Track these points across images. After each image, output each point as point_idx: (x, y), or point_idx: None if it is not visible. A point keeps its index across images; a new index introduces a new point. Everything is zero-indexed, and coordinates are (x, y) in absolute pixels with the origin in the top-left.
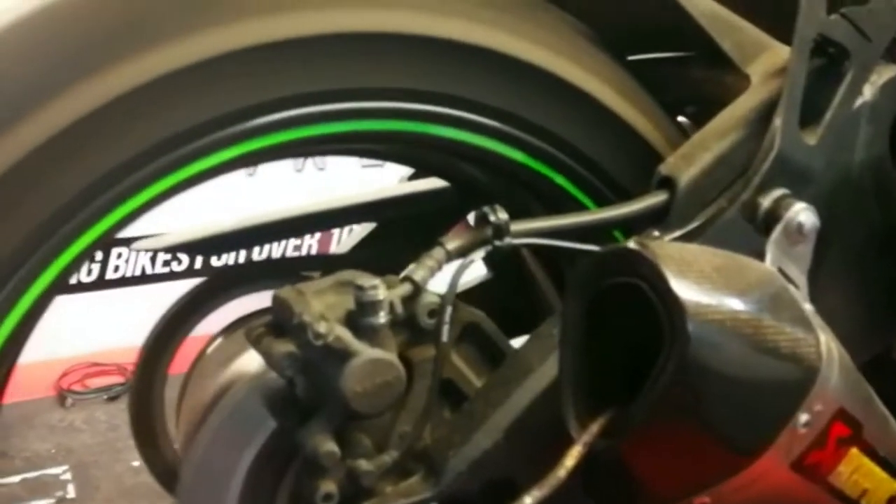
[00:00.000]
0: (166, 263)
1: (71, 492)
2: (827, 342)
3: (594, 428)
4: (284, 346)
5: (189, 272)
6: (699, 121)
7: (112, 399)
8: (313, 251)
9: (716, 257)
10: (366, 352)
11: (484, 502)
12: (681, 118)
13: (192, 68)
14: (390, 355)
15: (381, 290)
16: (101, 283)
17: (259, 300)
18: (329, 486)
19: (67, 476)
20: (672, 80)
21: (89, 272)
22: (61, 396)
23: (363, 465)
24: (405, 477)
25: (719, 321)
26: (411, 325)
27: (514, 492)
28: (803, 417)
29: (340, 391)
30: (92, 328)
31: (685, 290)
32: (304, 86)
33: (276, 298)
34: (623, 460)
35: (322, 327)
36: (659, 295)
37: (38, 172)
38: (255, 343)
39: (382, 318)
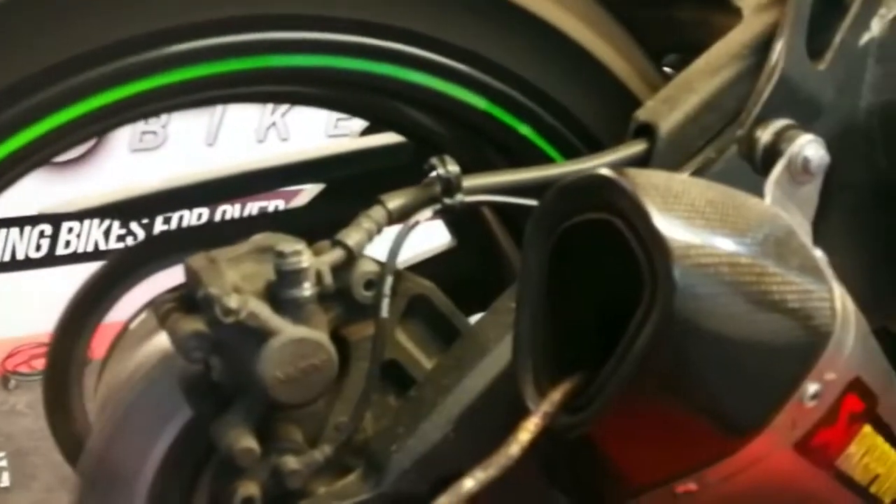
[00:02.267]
0: (120, 238)
1: (5, 480)
2: (842, 297)
3: (555, 396)
4: (192, 325)
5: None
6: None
7: None
8: None
9: (710, 190)
10: (287, 330)
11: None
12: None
13: None
14: (318, 334)
15: (305, 256)
16: (51, 260)
17: None
18: (249, 489)
19: (3, 463)
20: (655, 23)
21: (38, 248)
22: (5, 378)
23: (290, 462)
24: (342, 475)
25: (713, 266)
26: (346, 299)
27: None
28: (812, 388)
29: (258, 377)
30: (41, 307)
31: (671, 228)
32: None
33: (187, 268)
34: (591, 439)
35: (233, 301)
36: (638, 234)
37: None
38: (162, 320)
39: (307, 289)
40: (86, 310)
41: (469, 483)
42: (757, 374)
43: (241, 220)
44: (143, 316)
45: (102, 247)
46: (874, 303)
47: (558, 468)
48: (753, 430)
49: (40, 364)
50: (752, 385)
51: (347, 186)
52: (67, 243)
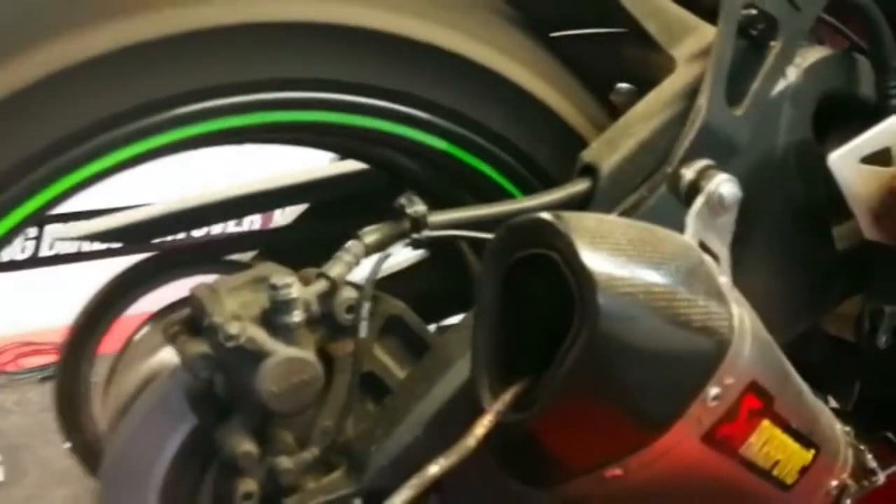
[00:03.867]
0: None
1: (0, 475)
2: (740, 315)
3: (506, 398)
4: (198, 347)
5: (127, 250)
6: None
7: (45, 379)
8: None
9: (632, 229)
10: (281, 351)
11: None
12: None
13: (116, 53)
14: (306, 353)
15: (295, 288)
16: (35, 261)
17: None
18: (249, 486)
19: None
20: (603, 58)
21: (23, 249)
22: None
23: (284, 462)
24: (328, 472)
25: (631, 294)
26: (330, 321)
27: (436, 486)
28: (713, 391)
29: (256, 391)
30: (26, 307)
31: (597, 263)
32: (228, 76)
33: (192, 297)
34: (534, 433)
35: (234, 328)
36: (570, 266)
37: None
38: (171, 341)
39: (297, 316)
40: (101, 311)
41: (433, 469)
42: (667, 380)
43: (238, 236)
44: (146, 329)
45: (85, 248)
46: (797, 309)
47: (508, 457)
48: (665, 426)
49: (27, 363)
50: (662, 389)
51: (328, 206)
52: (52, 245)
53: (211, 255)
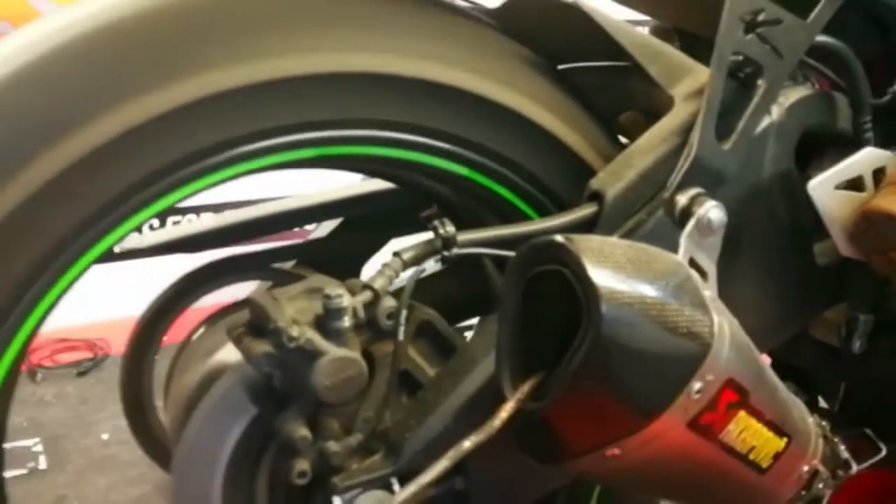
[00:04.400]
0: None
1: (43, 463)
2: (720, 323)
3: (524, 388)
4: (262, 347)
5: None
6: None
7: (81, 374)
8: None
9: (631, 249)
10: (332, 351)
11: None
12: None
13: (230, 92)
14: (354, 353)
15: (345, 297)
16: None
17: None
18: (303, 465)
19: (39, 448)
20: (610, 88)
21: None
22: (31, 371)
23: (332, 446)
24: (369, 456)
25: (629, 304)
26: (373, 326)
27: (462, 467)
28: (696, 385)
29: (312, 385)
30: (60, 305)
31: (601, 278)
32: (300, 116)
33: (253, 303)
34: (548, 418)
35: (295, 331)
36: (579, 281)
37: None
38: (237, 342)
39: (347, 321)
40: (167, 308)
41: (467, 444)
42: (658, 375)
43: (281, 247)
44: (202, 330)
45: (115, 249)
46: (783, 317)
47: (526, 438)
48: (655, 414)
49: (62, 358)
50: (654, 383)
51: (360, 221)
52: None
53: (259, 264)
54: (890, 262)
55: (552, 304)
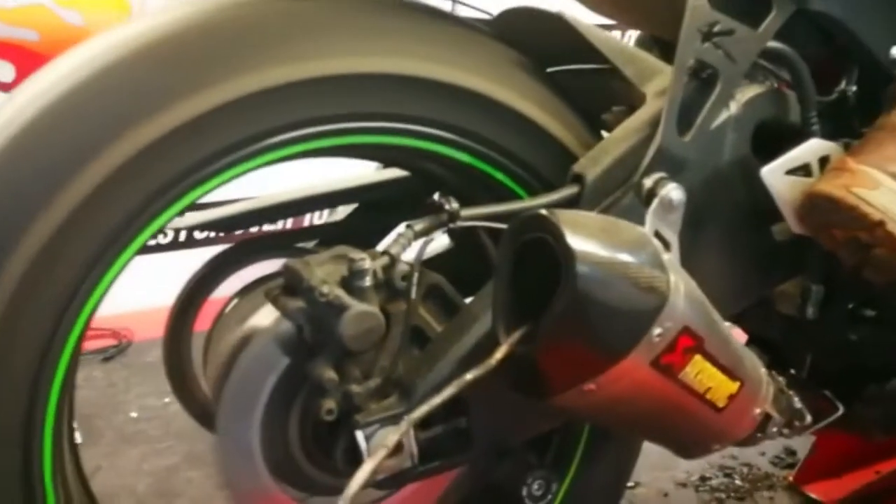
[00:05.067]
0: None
1: (78, 438)
2: (676, 281)
3: (516, 334)
4: (297, 303)
5: (173, 245)
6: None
7: (107, 360)
8: None
9: (602, 221)
10: (356, 306)
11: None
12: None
13: (267, 91)
14: (374, 308)
15: (367, 261)
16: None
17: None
18: (330, 404)
19: (74, 424)
20: (595, 87)
21: None
22: None
23: (355, 388)
24: (385, 398)
25: (599, 264)
26: (389, 286)
27: (462, 405)
28: (657, 330)
29: (338, 335)
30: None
31: (576, 242)
32: (325, 109)
33: (287, 268)
34: (535, 360)
35: (325, 289)
36: (558, 245)
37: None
38: (274, 301)
39: (368, 281)
40: (196, 292)
41: (469, 376)
42: (624, 322)
43: (303, 229)
44: (234, 303)
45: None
46: (745, 285)
47: (518, 377)
48: (623, 353)
49: (90, 345)
50: (621, 328)
51: (374, 205)
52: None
53: (283, 244)
54: (833, 238)
55: (538, 266)
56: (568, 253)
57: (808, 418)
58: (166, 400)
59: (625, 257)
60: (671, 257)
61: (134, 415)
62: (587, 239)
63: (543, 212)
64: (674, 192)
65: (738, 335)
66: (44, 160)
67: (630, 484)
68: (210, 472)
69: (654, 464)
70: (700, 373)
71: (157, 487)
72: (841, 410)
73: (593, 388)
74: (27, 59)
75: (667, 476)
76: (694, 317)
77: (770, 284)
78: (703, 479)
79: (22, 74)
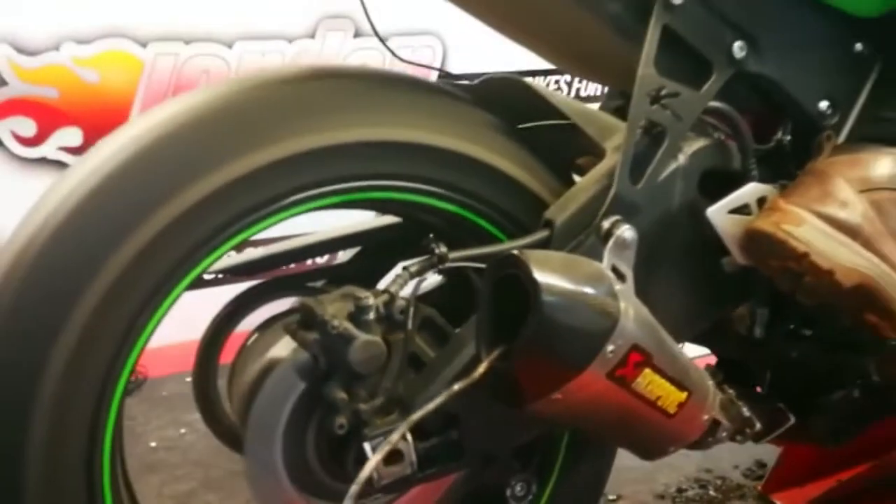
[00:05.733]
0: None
1: None
2: (626, 306)
3: (495, 353)
4: (312, 335)
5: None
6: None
7: (128, 394)
8: None
9: (565, 258)
10: (362, 336)
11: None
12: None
13: (290, 157)
14: (377, 338)
15: (370, 298)
16: None
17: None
18: (342, 420)
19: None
20: (565, 142)
21: None
22: None
23: (362, 406)
24: (388, 414)
25: (560, 293)
26: (389, 319)
27: (455, 420)
28: (609, 347)
29: (348, 361)
30: None
31: (542, 277)
32: (342, 172)
33: (303, 305)
34: (511, 374)
35: (336, 322)
36: (527, 280)
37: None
38: (292, 334)
39: (371, 315)
40: (221, 329)
41: (456, 387)
42: (581, 341)
43: (313, 270)
44: (254, 337)
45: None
46: (699, 311)
47: (498, 389)
48: (583, 367)
49: None
50: (579, 346)
51: (374, 249)
52: None
53: (295, 284)
54: (770, 267)
55: (513, 297)
56: (535, 286)
57: (758, 426)
58: (182, 431)
59: (582, 288)
60: (625, 287)
61: (153, 444)
62: (551, 274)
63: (516, 252)
64: (627, 232)
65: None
66: (106, 221)
67: (612, 497)
68: (225, 496)
69: (634, 478)
70: (650, 383)
71: None
72: (792, 420)
73: (560, 397)
74: (47, 116)
75: (646, 489)
76: (642, 336)
77: (723, 309)
78: (680, 490)
79: (42, 130)
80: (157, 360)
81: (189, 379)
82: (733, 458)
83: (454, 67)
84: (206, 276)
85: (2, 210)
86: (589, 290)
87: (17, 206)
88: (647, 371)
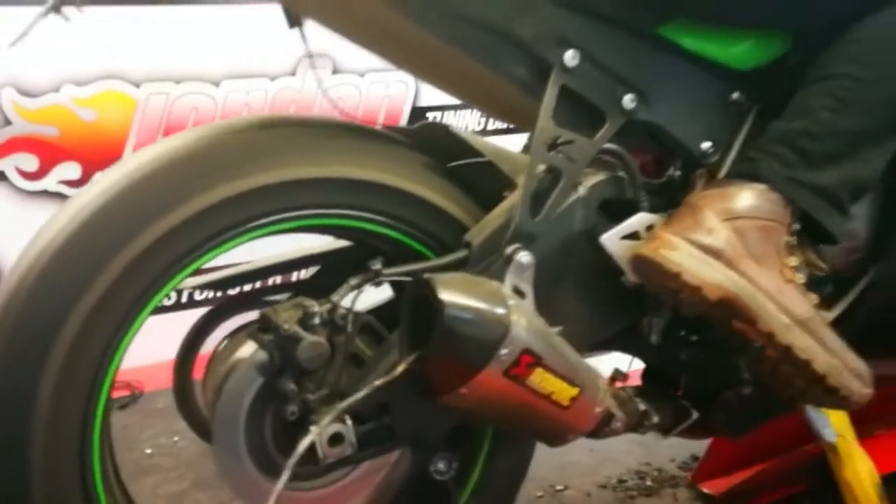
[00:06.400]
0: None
1: None
2: (517, 317)
3: (412, 356)
4: (268, 337)
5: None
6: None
7: (122, 407)
8: None
9: (466, 279)
10: (308, 338)
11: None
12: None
13: (259, 188)
14: (322, 339)
15: (316, 307)
16: None
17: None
18: (292, 408)
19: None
20: (485, 177)
21: None
22: None
23: (310, 397)
24: (331, 403)
25: (462, 308)
26: (333, 324)
27: (387, 408)
28: (503, 351)
29: (297, 358)
30: None
31: (446, 295)
32: (298, 202)
33: (262, 314)
34: (425, 372)
35: (287, 326)
36: (435, 297)
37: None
38: (253, 336)
39: (317, 321)
40: (194, 341)
41: (378, 381)
42: (479, 345)
43: (275, 286)
44: (224, 344)
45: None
46: (601, 322)
47: (418, 385)
48: (481, 367)
49: None
50: (478, 350)
51: (331, 267)
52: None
53: (259, 299)
54: (655, 286)
55: (428, 311)
56: (439, 304)
57: (656, 419)
58: (175, 438)
59: (479, 304)
60: (522, 302)
61: (148, 451)
62: (454, 293)
63: (427, 276)
64: (525, 257)
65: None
66: (95, 244)
67: (560, 487)
68: (214, 494)
69: (581, 472)
70: (543, 381)
71: None
72: (696, 416)
73: (466, 392)
74: (49, 152)
75: (591, 481)
76: (534, 341)
77: (624, 320)
78: (621, 481)
79: (44, 165)
80: (151, 376)
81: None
82: (671, 452)
83: (426, 101)
84: (197, 298)
85: (6, 239)
86: (484, 305)
87: (21, 235)
88: (539, 370)
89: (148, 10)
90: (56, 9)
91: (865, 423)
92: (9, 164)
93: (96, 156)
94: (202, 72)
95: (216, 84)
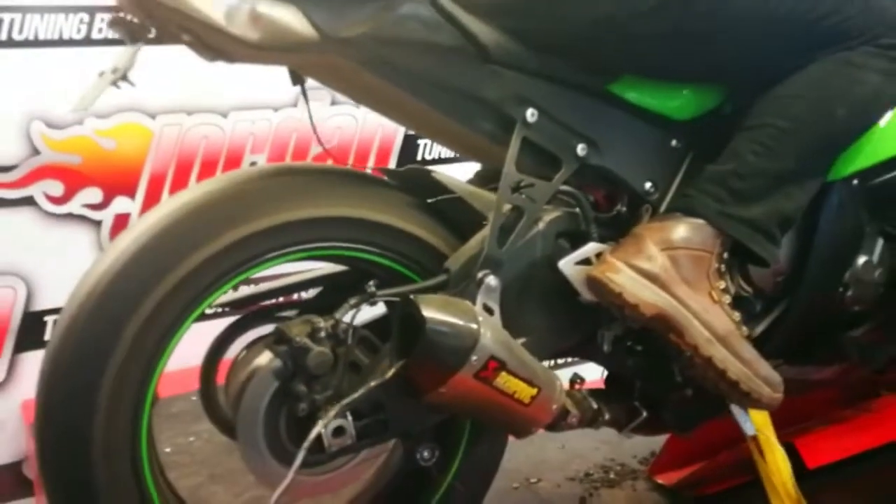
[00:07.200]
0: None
1: None
2: (485, 330)
3: (400, 364)
4: (283, 347)
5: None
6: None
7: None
8: None
9: (445, 300)
10: (316, 348)
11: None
12: None
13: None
14: (327, 349)
15: (322, 322)
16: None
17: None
18: (303, 405)
19: None
20: (465, 213)
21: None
22: None
23: (317, 397)
24: (336, 402)
25: (441, 323)
26: (335, 337)
27: (382, 406)
28: (473, 357)
29: (306, 365)
30: None
31: (428, 312)
32: (306, 237)
33: (277, 328)
34: (411, 377)
35: (298, 338)
36: (418, 316)
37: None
38: (269, 347)
39: (323, 334)
40: (217, 351)
41: (372, 383)
42: (453, 353)
43: (284, 304)
44: (243, 353)
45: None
46: (561, 334)
47: (406, 387)
48: (455, 371)
49: None
50: (452, 356)
51: (332, 289)
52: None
53: (270, 315)
54: (604, 303)
55: (413, 325)
56: (422, 319)
57: (607, 416)
58: (191, 439)
59: (454, 319)
60: (491, 318)
61: (168, 450)
62: (434, 310)
63: (412, 296)
64: (493, 281)
65: None
66: (145, 270)
67: (534, 480)
68: (227, 486)
69: (552, 466)
70: (507, 382)
71: (188, 499)
72: (644, 415)
73: (444, 391)
74: (73, 178)
75: (561, 474)
76: (499, 349)
77: (582, 332)
78: (587, 474)
79: (69, 190)
80: (167, 383)
81: (195, 398)
82: (634, 450)
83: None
84: (207, 311)
85: (36, 257)
86: (459, 321)
87: (48, 253)
88: (504, 373)
89: (163, 49)
90: (114, 83)
91: (800, 420)
92: (37, 190)
93: (116, 181)
94: (212, 104)
95: (224, 115)
